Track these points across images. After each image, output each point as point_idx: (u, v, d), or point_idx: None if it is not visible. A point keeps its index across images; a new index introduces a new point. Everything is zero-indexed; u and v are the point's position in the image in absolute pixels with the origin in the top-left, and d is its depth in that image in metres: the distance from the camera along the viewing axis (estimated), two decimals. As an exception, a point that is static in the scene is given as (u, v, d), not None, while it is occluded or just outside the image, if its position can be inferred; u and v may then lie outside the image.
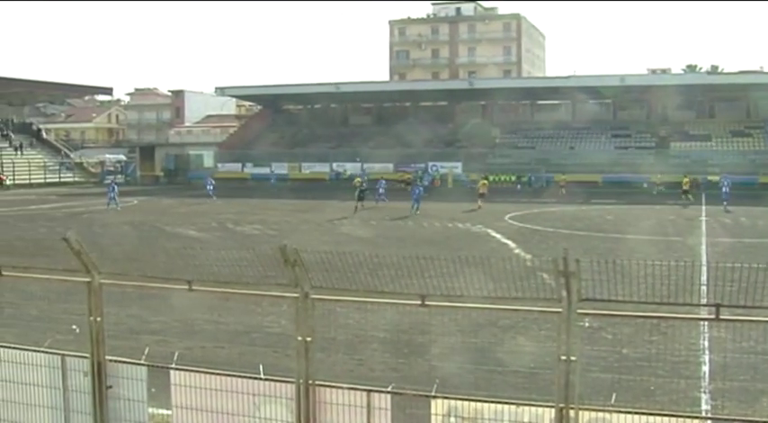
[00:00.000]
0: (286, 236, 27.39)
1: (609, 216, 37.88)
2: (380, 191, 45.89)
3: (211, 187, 52.18)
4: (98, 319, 7.20)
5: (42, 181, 72.09)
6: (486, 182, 45.17)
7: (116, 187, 44.75)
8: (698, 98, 71.05)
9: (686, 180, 47.43)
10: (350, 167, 69.94)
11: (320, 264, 6.46)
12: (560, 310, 5.78)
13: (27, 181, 70.78)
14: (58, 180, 72.86)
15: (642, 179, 58.92)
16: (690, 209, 41.15)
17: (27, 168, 72.55)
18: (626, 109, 75.14)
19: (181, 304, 10.04)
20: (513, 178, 64.06)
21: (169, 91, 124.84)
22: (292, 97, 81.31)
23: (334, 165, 71.83)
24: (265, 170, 72.73)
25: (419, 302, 6.21)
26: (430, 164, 68.89)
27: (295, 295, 6.45)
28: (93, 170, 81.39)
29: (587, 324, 6.82)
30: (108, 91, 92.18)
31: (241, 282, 6.81)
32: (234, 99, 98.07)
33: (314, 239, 26.54)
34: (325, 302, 6.62)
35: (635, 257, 19.41)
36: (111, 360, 7.25)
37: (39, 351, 7.50)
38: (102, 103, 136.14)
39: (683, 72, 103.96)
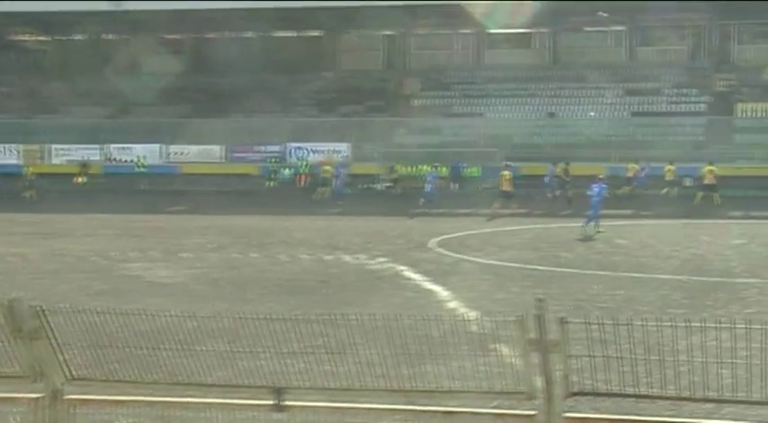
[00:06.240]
0: (17, 283, 26.87)
1: (620, 239, 38.32)
2: (428, 189, 53.62)
3: None
4: None
5: None
6: (508, 172, 52.11)
7: None
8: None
9: (633, 166, 59.36)
10: (141, 151, 69.50)
11: (86, 333, 6.38)
12: (533, 412, 5.87)
13: None
14: None
15: (687, 170, 60.13)
16: (761, 226, 42.29)
17: None
18: (652, 43, 76.73)
19: None
20: (445, 170, 64.27)
21: None
22: (26, 18, 79.58)
23: (113, 147, 71.06)
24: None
25: (271, 403, 6.21)
26: (292, 146, 68.69)
27: (35, 396, 6.36)
28: None
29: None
30: None
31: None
32: None
33: (73, 288, 26.20)
34: (93, 406, 6.54)
35: (667, 314, 19.83)
36: None
37: None
38: None
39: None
